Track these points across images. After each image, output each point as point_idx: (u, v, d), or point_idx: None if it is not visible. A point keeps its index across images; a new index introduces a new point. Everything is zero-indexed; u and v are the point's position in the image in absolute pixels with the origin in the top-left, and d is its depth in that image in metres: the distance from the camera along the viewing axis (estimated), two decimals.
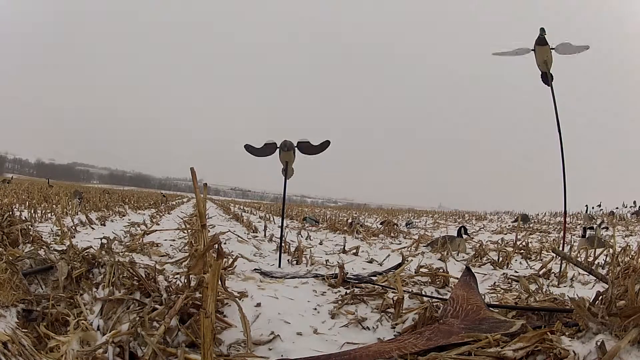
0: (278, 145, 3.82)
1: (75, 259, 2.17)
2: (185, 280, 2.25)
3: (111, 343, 1.60)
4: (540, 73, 3.50)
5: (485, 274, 3.55)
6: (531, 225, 10.65)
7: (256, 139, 3.88)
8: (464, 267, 3.07)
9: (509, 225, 11.00)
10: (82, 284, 2.01)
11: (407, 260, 3.72)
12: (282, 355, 1.81)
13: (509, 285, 3.15)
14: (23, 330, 1.58)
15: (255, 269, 3.53)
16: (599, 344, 1.33)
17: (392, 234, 7.12)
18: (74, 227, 4.93)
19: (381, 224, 9.10)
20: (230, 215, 12.45)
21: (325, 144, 3.82)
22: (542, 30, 3.43)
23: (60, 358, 1.51)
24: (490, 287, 3.09)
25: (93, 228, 5.39)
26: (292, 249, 4.32)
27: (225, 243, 4.98)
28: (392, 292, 2.55)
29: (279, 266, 3.80)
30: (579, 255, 4.28)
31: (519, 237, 5.42)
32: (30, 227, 3.57)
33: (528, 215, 12.61)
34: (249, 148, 3.84)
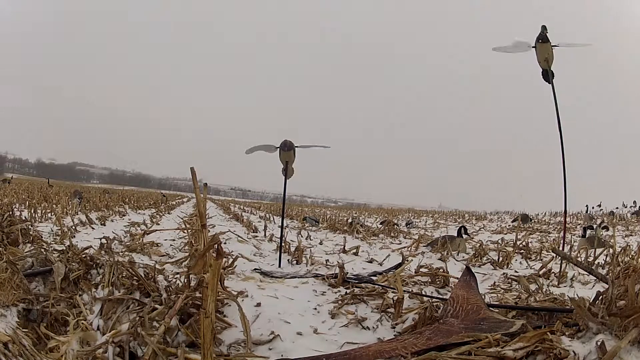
0: (277, 146, 3.83)
1: (74, 259, 2.17)
2: (185, 280, 2.25)
3: (111, 343, 1.60)
4: (541, 70, 3.50)
5: (485, 274, 3.55)
6: (531, 225, 10.66)
7: (256, 139, 3.89)
8: (464, 267, 3.07)
9: (509, 225, 11.01)
10: (80, 284, 2.01)
11: (407, 260, 3.72)
12: (282, 355, 1.81)
13: (509, 285, 3.15)
14: (23, 330, 1.58)
15: (255, 269, 3.53)
16: (599, 344, 1.33)
17: (392, 234, 7.12)
18: (74, 227, 4.93)
19: (381, 223, 9.11)
20: (231, 215, 12.45)
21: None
22: (544, 27, 3.43)
23: (60, 358, 1.52)
24: (490, 287, 3.09)
25: (93, 228, 5.39)
26: (292, 249, 4.32)
27: (225, 243, 4.98)
28: (392, 292, 2.55)
29: (279, 266, 3.80)
30: (579, 255, 4.28)
31: (519, 237, 5.41)
32: (30, 227, 3.57)
33: (528, 215, 12.61)
34: (250, 150, 3.85)
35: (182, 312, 1.89)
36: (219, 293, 2.18)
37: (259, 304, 2.40)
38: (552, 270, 3.45)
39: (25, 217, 4.58)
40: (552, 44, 3.41)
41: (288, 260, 4.00)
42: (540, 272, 3.43)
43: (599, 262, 3.92)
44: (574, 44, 3.41)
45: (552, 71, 3.47)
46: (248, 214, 13.56)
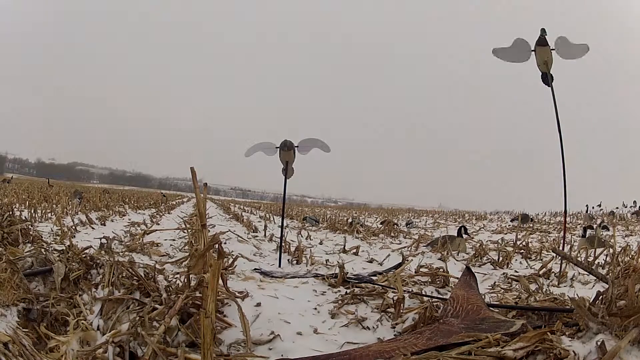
0: (277, 146, 3.83)
1: (74, 259, 2.17)
2: (186, 280, 2.25)
3: (111, 343, 1.60)
4: (541, 74, 3.51)
5: (486, 274, 3.55)
6: (531, 225, 10.66)
7: (256, 139, 3.89)
8: (464, 266, 3.07)
9: (509, 225, 11.01)
10: (80, 284, 2.01)
11: (407, 260, 3.72)
12: (282, 355, 1.81)
13: (509, 285, 3.15)
14: (24, 330, 1.58)
15: (255, 269, 3.53)
16: (599, 343, 1.33)
17: (392, 234, 7.12)
18: (74, 227, 4.93)
19: (381, 223, 9.11)
20: (231, 215, 12.45)
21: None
22: (543, 30, 3.43)
23: (60, 358, 1.51)
24: (490, 287, 3.09)
25: (93, 228, 5.39)
26: (292, 249, 4.32)
27: (225, 243, 4.98)
28: (392, 292, 2.55)
29: (279, 266, 3.80)
30: (579, 255, 4.28)
31: (519, 236, 5.42)
32: (30, 226, 3.57)
33: (528, 215, 12.62)
34: (249, 152, 3.85)
35: (182, 312, 1.88)
36: (219, 293, 2.18)
37: (259, 304, 2.39)
38: (552, 270, 3.46)
39: (25, 217, 4.58)
40: (551, 48, 3.41)
41: (288, 260, 4.00)
42: (540, 272, 3.43)
43: (599, 262, 3.92)
44: (567, 41, 3.41)
45: (551, 74, 3.47)
46: (248, 213, 13.57)
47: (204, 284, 1.87)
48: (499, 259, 4.07)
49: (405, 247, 5.42)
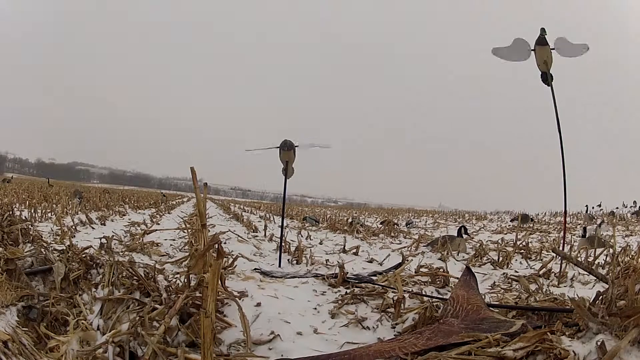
0: (277, 146, 3.83)
1: (74, 259, 2.17)
2: (185, 280, 2.25)
3: (111, 343, 1.60)
4: (540, 73, 3.51)
5: (486, 274, 3.55)
6: (531, 225, 10.65)
7: (256, 139, 3.90)
8: (464, 266, 3.07)
9: (509, 225, 11.00)
10: (80, 284, 2.01)
11: (407, 260, 3.72)
12: (282, 355, 1.81)
13: (509, 285, 3.15)
14: (23, 329, 1.58)
15: (255, 269, 3.53)
16: (599, 344, 1.33)
17: (392, 234, 7.12)
18: (74, 227, 4.93)
19: (381, 223, 9.10)
20: (231, 214, 12.45)
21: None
22: (543, 30, 3.43)
23: (60, 358, 1.52)
24: (490, 287, 3.09)
25: (93, 227, 5.39)
26: (292, 249, 4.32)
27: (225, 242, 4.98)
28: (392, 292, 2.55)
29: (279, 266, 3.80)
30: (579, 255, 4.28)
31: (519, 236, 5.41)
32: (30, 226, 3.56)
33: (528, 215, 12.61)
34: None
35: (182, 312, 1.89)
36: (219, 293, 2.18)
37: (259, 304, 2.39)
38: (552, 270, 3.45)
39: (25, 216, 4.57)
40: (550, 47, 3.41)
41: (288, 260, 4.00)
42: (540, 272, 3.43)
43: (599, 262, 3.92)
44: (567, 42, 3.41)
45: (551, 74, 3.47)
46: (248, 213, 13.56)
47: (204, 283, 1.87)
48: (499, 259, 4.07)
49: (405, 247, 5.42)
